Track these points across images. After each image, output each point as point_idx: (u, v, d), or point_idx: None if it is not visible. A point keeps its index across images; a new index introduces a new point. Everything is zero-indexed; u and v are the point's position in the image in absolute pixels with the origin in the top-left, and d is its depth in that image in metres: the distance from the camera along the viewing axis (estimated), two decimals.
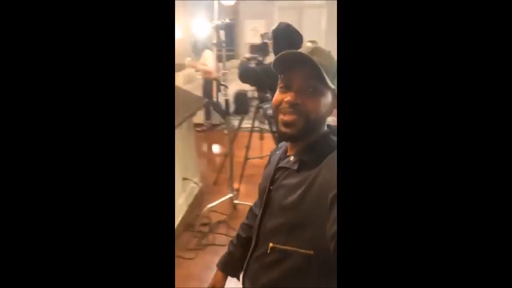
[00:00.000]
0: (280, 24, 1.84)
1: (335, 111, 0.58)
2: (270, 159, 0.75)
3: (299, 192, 0.57)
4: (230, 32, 4.44)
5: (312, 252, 0.55)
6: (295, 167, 0.61)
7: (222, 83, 2.22)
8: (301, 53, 0.57)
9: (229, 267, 0.84)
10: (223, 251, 0.89)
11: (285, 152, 0.68)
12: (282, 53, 0.58)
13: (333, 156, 0.56)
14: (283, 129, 0.60)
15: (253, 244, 0.70)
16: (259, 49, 2.11)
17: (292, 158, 0.64)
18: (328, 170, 0.55)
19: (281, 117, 0.60)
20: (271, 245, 0.61)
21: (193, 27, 4.09)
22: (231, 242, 0.87)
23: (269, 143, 2.42)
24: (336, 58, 0.56)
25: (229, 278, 0.85)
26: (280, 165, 0.66)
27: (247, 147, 2.46)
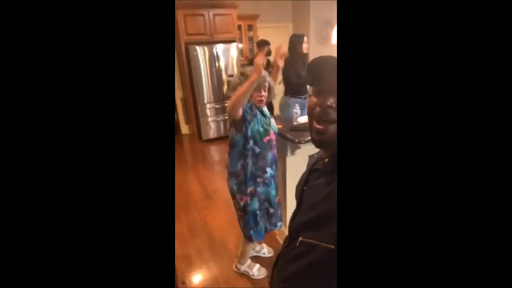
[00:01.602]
0: None
1: None
2: (308, 162, 0.79)
3: (327, 190, 0.61)
4: None
5: (333, 246, 0.57)
6: (328, 168, 0.65)
7: None
8: (335, 58, 0.59)
9: None
10: None
11: (321, 155, 0.72)
12: (316, 58, 0.62)
13: None
14: (315, 136, 0.63)
15: (286, 241, 0.76)
16: None
17: (326, 160, 0.67)
18: None
19: (314, 125, 0.63)
20: (300, 238, 0.66)
21: None
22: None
23: None
24: None
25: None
26: (315, 167, 0.71)
27: None
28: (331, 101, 0.59)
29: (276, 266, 0.78)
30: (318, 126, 0.61)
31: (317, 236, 0.61)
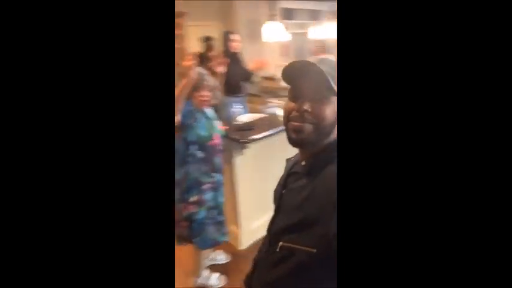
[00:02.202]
0: None
1: None
2: (286, 166, 0.78)
3: (307, 193, 0.61)
4: None
5: (314, 250, 0.56)
6: (305, 171, 0.65)
7: None
8: (310, 62, 0.59)
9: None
10: None
11: (298, 158, 0.72)
12: (292, 62, 0.62)
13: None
14: (292, 135, 0.62)
15: (265, 246, 0.73)
16: None
17: (303, 163, 0.67)
18: (332, 174, 0.58)
19: (290, 124, 0.62)
20: (281, 243, 0.64)
21: None
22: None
23: None
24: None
25: None
26: (292, 170, 0.71)
27: None
28: (307, 106, 0.59)
29: (253, 273, 0.76)
30: (294, 123, 0.61)
31: (298, 240, 0.60)
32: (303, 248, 0.58)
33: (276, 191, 0.76)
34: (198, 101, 1.37)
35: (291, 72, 0.62)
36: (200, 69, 1.38)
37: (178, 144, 1.37)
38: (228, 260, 1.93)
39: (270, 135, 1.81)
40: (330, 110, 0.60)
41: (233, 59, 2.69)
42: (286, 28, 2.72)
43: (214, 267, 1.85)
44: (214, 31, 4.90)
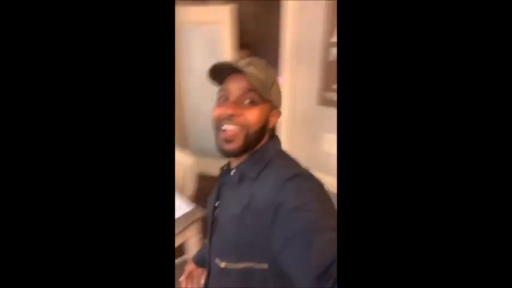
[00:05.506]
0: None
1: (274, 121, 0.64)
2: (219, 174, 0.73)
3: (245, 201, 0.57)
4: None
5: (266, 266, 0.53)
6: (236, 180, 0.62)
7: None
8: (235, 65, 0.56)
9: (200, 261, 0.88)
10: None
11: (228, 166, 0.68)
12: (216, 63, 0.58)
13: (273, 166, 0.58)
14: (225, 146, 0.59)
15: (208, 269, 0.67)
16: None
17: (233, 172, 0.64)
18: (268, 180, 0.56)
19: (222, 134, 0.59)
20: (223, 265, 0.58)
21: None
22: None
23: None
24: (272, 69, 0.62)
25: None
26: (223, 180, 0.67)
27: None
28: (238, 111, 0.57)
29: None
30: (225, 135, 0.58)
31: (244, 258, 0.55)
32: (253, 266, 0.54)
33: (209, 203, 0.71)
34: None
35: (218, 74, 0.60)
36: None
37: None
38: None
39: None
40: (260, 114, 0.59)
41: None
42: None
43: None
44: None
